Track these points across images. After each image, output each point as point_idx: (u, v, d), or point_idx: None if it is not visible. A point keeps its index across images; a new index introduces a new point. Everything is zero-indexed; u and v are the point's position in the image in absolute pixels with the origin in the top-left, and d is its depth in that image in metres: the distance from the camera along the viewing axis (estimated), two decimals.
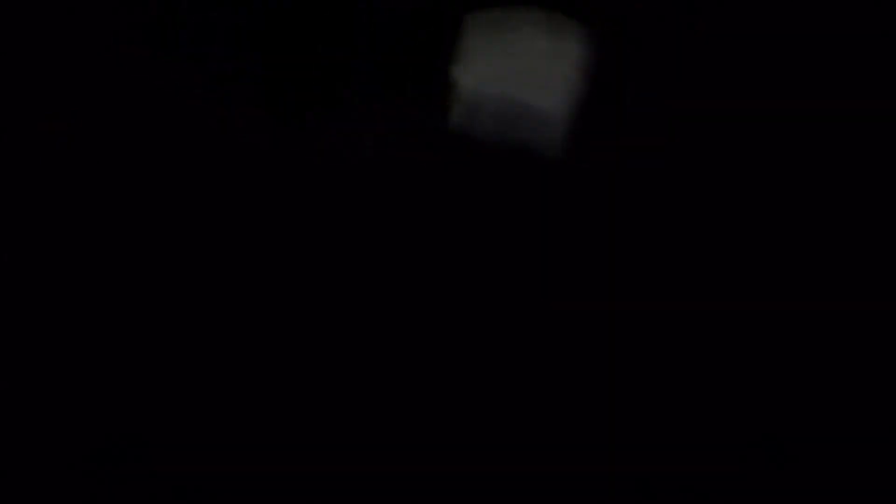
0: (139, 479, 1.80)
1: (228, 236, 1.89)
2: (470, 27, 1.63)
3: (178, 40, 1.61)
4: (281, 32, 1.73)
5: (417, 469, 1.76)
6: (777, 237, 1.83)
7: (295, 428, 1.81)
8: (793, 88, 1.90)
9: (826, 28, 1.90)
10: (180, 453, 1.80)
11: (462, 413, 1.79)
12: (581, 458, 1.74)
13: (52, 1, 1.96)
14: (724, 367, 1.76)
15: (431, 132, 1.76)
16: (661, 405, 1.75)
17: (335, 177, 1.81)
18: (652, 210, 1.85)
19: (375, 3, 1.74)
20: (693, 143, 1.87)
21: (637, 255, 1.83)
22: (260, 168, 1.88)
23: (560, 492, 1.73)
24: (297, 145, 1.81)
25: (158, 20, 1.55)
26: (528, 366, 1.80)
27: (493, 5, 1.65)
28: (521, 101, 1.67)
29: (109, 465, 1.81)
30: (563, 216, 1.84)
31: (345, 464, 1.79)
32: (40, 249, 1.89)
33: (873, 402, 1.73)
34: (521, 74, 1.67)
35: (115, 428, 1.82)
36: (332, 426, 1.80)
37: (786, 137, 1.89)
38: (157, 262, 1.89)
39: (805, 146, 1.88)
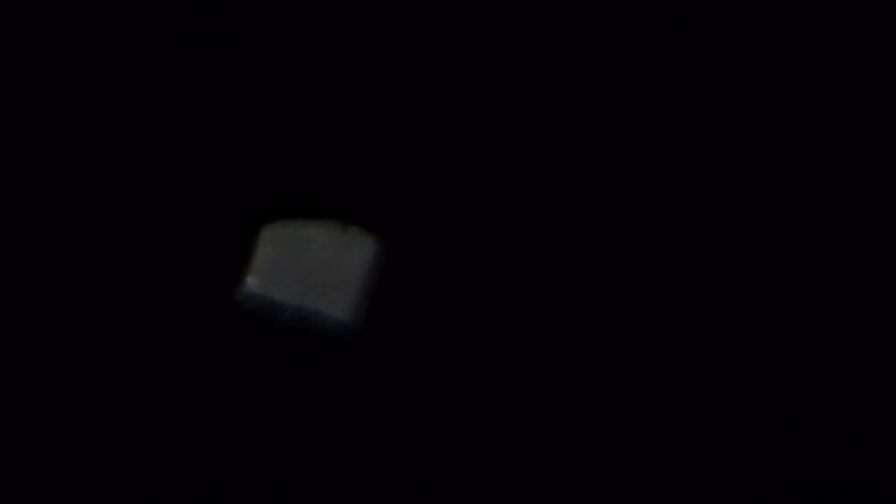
0: (138, 478, 1.81)
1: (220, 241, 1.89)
2: (265, 238, 1.75)
3: None
4: None
5: (417, 468, 1.77)
6: (771, 240, 1.83)
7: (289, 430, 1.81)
8: None
9: None
10: (178, 453, 1.80)
11: (463, 413, 1.79)
12: (581, 459, 1.74)
13: (52, 1, 1.96)
14: (724, 367, 1.77)
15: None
16: (662, 405, 1.76)
17: None
18: None
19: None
20: None
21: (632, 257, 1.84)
22: None
23: (560, 492, 1.73)
24: None
25: None
26: (530, 365, 1.81)
27: (289, 218, 1.75)
28: (310, 309, 1.80)
29: (108, 465, 1.81)
30: None
31: (344, 466, 1.79)
32: (40, 249, 1.89)
33: (874, 401, 1.74)
34: (310, 284, 1.78)
35: (114, 427, 1.83)
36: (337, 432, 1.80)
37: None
38: (156, 264, 1.89)
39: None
